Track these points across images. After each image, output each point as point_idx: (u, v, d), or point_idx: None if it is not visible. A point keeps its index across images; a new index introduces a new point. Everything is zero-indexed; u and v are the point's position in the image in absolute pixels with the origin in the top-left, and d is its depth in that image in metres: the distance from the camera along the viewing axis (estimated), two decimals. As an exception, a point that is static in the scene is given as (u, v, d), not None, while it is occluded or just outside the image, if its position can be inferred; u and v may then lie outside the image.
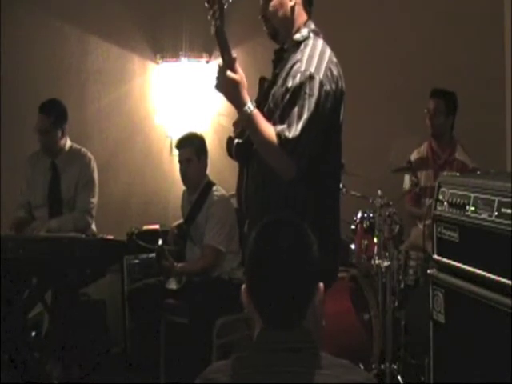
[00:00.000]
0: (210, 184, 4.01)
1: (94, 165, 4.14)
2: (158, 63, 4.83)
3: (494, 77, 4.84)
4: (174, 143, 4.23)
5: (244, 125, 2.43)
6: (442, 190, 2.71)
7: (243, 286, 1.59)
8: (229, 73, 2.38)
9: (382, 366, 3.56)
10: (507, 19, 4.75)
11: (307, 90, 2.33)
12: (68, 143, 4.14)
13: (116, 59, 4.79)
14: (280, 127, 2.34)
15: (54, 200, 4.07)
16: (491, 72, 4.85)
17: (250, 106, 2.37)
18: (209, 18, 2.34)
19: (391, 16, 4.87)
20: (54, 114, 4.04)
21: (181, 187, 4.16)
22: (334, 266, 2.59)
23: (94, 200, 4.11)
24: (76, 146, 4.18)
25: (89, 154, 4.16)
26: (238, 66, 2.42)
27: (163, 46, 4.81)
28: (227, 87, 2.40)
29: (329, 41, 2.54)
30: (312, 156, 2.38)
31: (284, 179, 2.39)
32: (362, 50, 4.82)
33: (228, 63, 2.40)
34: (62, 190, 4.08)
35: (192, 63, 4.70)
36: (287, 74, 2.42)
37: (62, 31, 4.69)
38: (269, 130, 2.35)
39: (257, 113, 2.37)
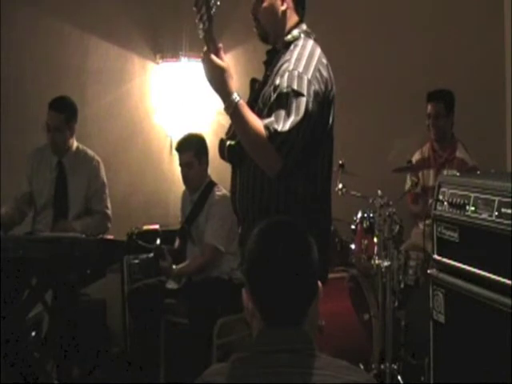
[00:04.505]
0: (212, 184, 4.01)
1: (102, 168, 4.13)
2: (157, 63, 4.83)
3: (493, 76, 4.85)
4: (174, 144, 4.23)
5: (229, 116, 2.34)
6: (442, 189, 2.71)
7: (244, 289, 1.59)
8: (214, 58, 2.31)
9: (382, 366, 3.55)
10: (507, 19, 4.76)
11: (295, 89, 2.30)
12: (75, 143, 4.11)
13: (116, 59, 4.79)
14: (268, 120, 2.29)
15: (61, 201, 4.04)
16: (491, 72, 4.85)
17: (237, 96, 2.30)
18: (196, 21, 2.28)
19: (391, 16, 4.87)
20: (66, 110, 4.00)
21: (181, 187, 4.16)
22: (325, 267, 2.58)
23: (109, 204, 4.12)
24: (82, 146, 4.15)
25: (96, 157, 4.14)
26: (223, 54, 2.37)
27: (163, 46, 4.81)
28: (213, 73, 2.32)
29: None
30: (300, 154, 2.35)
31: (269, 174, 2.35)
32: (362, 50, 4.82)
33: (213, 51, 2.33)
34: (68, 191, 4.04)
35: (192, 63, 4.70)
36: (276, 74, 2.40)
37: (62, 31, 4.69)
38: (256, 121, 2.29)
39: (243, 103, 2.31)
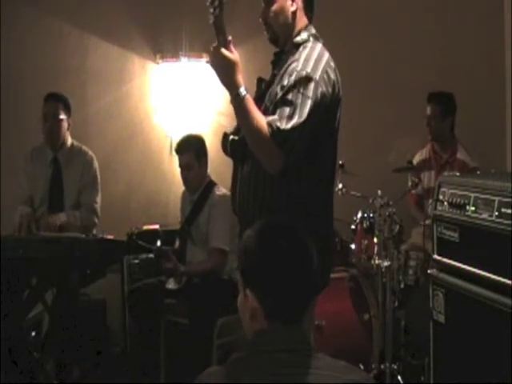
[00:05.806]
0: (212, 184, 4.01)
1: (96, 163, 4.14)
2: (158, 63, 4.83)
3: (493, 77, 4.85)
4: (174, 144, 4.23)
5: (235, 109, 2.34)
6: (443, 189, 2.71)
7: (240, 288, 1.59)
8: (223, 50, 2.31)
9: (382, 366, 3.56)
10: (507, 19, 4.76)
11: (301, 90, 2.30)
12: (70, 140, 4.13)
13: (116, 59, 4.79)
14: (272, 117, 2.30)
15: (56, 195, 4.05)
16: (491, 72, 4.85)
17: (243, 90, 2.30)
18: (208, 4, 2.26)
19: (392, 16, 4.87)
20: (62, 100, 4.04)
21: (181, 187, 4.16)
22: (325, 271, 2.57)
23: (98, 199, 4.12)
24: (77, 143, 4.17)
25: (90, 152, 4.16)
26: (232, 47, 2.35)
27: (163, 46, 4.81)
28: (221, 65, 2.32)
29: (330, 42, 2.54)
30: (303, 156, 2.35)
31: (270, 172, 2.34)
32: (363, 50, 4.82)
33: (223, 44, 2.32)
34: (63, 185, 4.06)
35: (192, 63, 4.70)
36: (284, 73, 2.40)
37: (61, 31, 4.69)
38: (260, 118, 2.30)
39: (249, 98, 2.31)
